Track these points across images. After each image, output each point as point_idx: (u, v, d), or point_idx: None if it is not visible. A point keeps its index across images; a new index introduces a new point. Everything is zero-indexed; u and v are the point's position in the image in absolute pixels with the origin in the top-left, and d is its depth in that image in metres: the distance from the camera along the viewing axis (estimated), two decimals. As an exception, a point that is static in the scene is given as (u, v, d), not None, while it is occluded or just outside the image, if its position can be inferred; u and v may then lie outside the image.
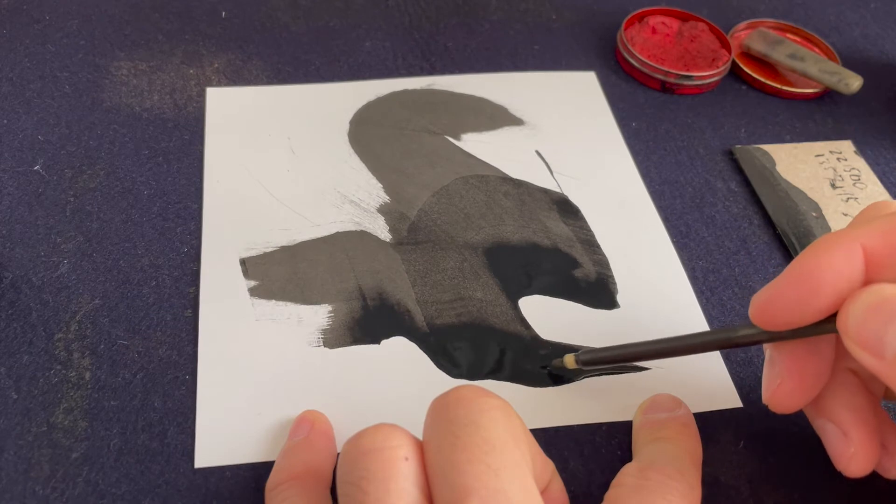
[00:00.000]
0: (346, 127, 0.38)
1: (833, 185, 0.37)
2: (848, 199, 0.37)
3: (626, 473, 0.24)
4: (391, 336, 0.30)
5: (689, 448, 0.26)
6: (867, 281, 0.21)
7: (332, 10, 0.45)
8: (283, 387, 0.28)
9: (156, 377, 0.28)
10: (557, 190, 0.36)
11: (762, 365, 0.27)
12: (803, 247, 0.34)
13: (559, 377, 0.29)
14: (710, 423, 0.28)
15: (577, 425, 0.28)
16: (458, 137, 0.38)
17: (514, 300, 0.32)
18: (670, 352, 0.27)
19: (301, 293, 0.31)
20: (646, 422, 0.27)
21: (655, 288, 0.33)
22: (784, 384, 0.24)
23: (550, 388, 0.29)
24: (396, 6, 0.46)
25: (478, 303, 0.31)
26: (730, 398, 0.29)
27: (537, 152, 0.38)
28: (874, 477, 0.24)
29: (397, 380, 0.29)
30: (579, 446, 0.28)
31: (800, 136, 0.40)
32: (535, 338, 0.31)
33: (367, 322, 0.30)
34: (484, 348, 0.30)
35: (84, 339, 0.29)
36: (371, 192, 0.35)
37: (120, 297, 0.31)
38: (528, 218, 0.35)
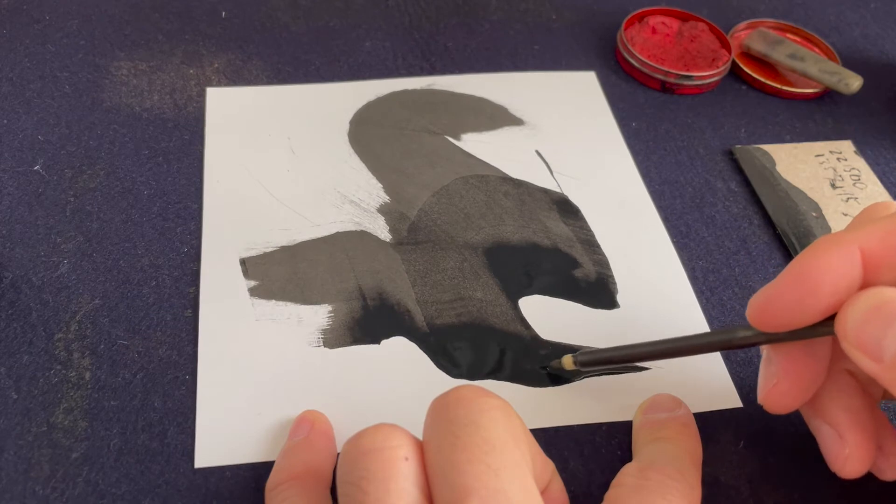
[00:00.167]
0: (346, 127, 0.38)
1: (833, 185, 0.37)
2: (848, 199, 0.37)
3: (626, 473, 0.24)
4: (391, 336, 0.30)
5: (689, 448, 0.26)
6: (865, 283, 0.21)
7: (332, 10, 0.45)
8: (283, 387, 0.28)
9: (156, 377, 0.28)
10: (557, 190, 0.36)
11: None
12: (803, 247, 0.34)
13: (559, 377, 0.29)
14: (710, 423, 0.28)
15: (577, 425, 0.28)
16: (458, 137, 0.38)
17: (514, 300, 0.32)
18: (668, 353, 0.27)
19: (301, 293, 0.31)
20: (646, 422, 0.27)
21: (655, 288, 0.33)
22: (780, 384, 0.24)
23: (550, 388, 0.29)
24: (396, 6, 0.46)
25: (478, 303, 0.31)
26: (730, 398, 0.29)
27: (537, 152, 0.38)
28: (874, 477, 0.24)
29: (397, 380, 0.29)
30: (579, 446, 0.28)
31: (800, 136, 0.40)
32: (535, 338, 0.31)
33: (367, 322, 0.30)
34: (484, 348, 0.30)
35: (84, 339, 0.29)
36: (371, 192, 0.35)
37: (120, 297, 0.31)
38: (528, 218, 0.35)
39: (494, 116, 0.40)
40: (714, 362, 0.30)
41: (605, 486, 0.24)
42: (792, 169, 0.38)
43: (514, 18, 0.46)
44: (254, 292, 0.31)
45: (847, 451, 0.23)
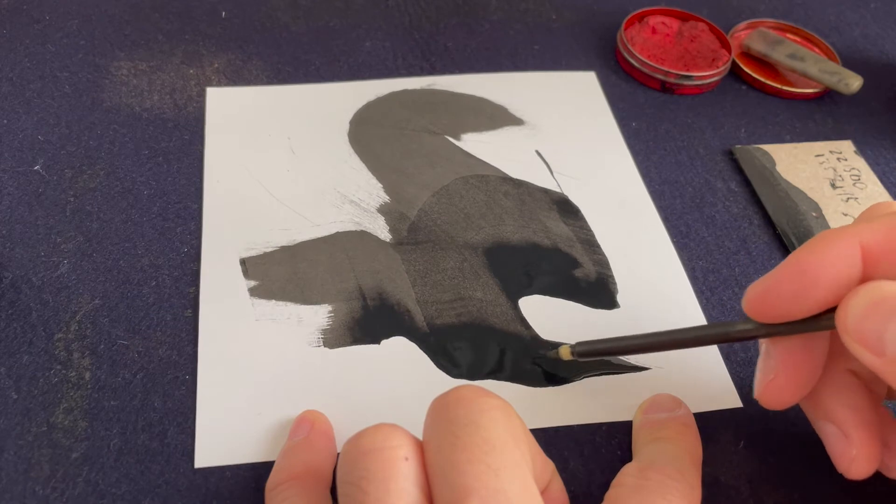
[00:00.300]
0: (346, 127, 0.38)
1: (833, 185, 0.37)
2: (848, 199, 0.37)
3: (627, 473, 0.24)
4: (391, 336, 0.30)
5: (690, 448, 0.26)
6: (864, 278, 0.21)
7: (332, 10, 0.45)
8: (283, 387, 0.28)
9: (156, 377, 0.28)
10: (557, 190, 0.36)
11: (762, 365, 0.27)
12: (803, 247, 0.34)
13: (553, 375, 0.29)
14: (710, 423, 0.28)
15: (577, 425, 0.28)
16: (458, 137, 0.38)
17: (514, 300, 0.32)
18: (666, 345, 0.26)
19: (301, 293, 0.31)
20: (646, 422, 0.27)
21: (655, 288, 0.33)
22: (777, 379, 0.24)
23: (551, 388, 0.29)
24: (396, 6, 0.46)
25: (478, 303, 0.31)
26: (730, 398, 0.29)
27: (537, 152, 0.38)
28: (875, 477, 0.24)
29: (397, 380, 0.29)
30: (579, 446, 0.28)
31: (800, 136, 0.40)
32: (535, 338, 0.31)
33: (367, 322, 0.30)
34: (484, 348, 0.30)
35: (84, 339, 0.29)
36: (371, 192, 0.35)
37: (120, 297, 0.31)
38: (528, 218, 0.35)
39: (494, 116, 0.40)
40: (714, 362, 0.30)
41: (605, 486, 0.24)
42: (792, 169, 0.38)
43: (514, 18, 0.46)
44: (254, 292, 0.31)
45: (854, 451, 0.23)
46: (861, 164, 0.39)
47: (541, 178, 0.37)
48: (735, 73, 0.43)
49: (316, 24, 0.44)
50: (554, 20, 0.46)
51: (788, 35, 0.46)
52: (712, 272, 0.34)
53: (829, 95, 0.43)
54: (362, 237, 0.34)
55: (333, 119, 0.39)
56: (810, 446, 0.27)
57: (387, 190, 0.36)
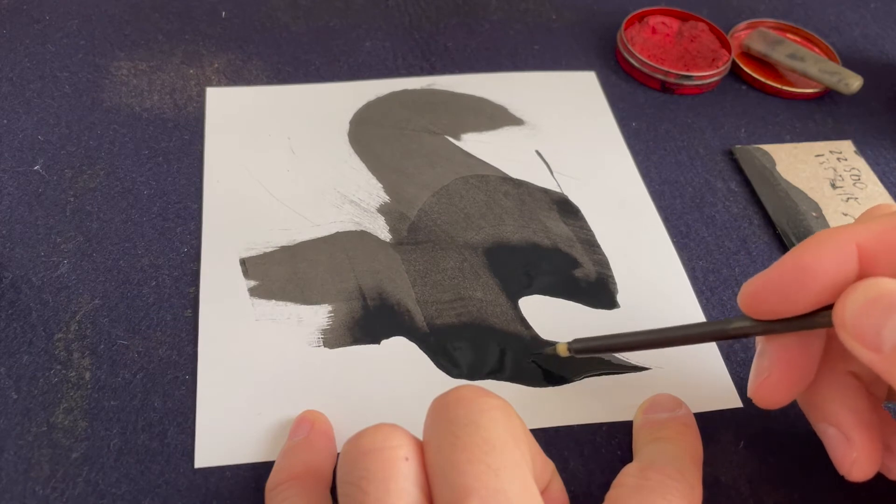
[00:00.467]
0: (346, 127, 0.38)
1: (833, 185, 0.37)
2: (848, 199, 0.37)
3: (627, 474, 0.24)
4: (391, 336, 0.30)
5: (690, 448, 0.26)
6: (860, 277, 0.21)
7: (332, 10, 0.45)
8: (283, 387, 0.28)
9: (156, 377, 0.28)
10: (557, 190, 0.36)
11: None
12: (803, 247, 0.34)
13: (554, 375, 0.29)
14: (710, 423, 0.28)
15: (577, 425, 0.28)
16: (458, 137, 0.38)
17: (514, 300, 0.32)
18: (663, 342, 0.27)
19: (301, 293, 0.31)
20: (646, 422, 0.27)
21: (655, 288, 0.33)
22: (770, 378, 0.24)
23: (551, 388, 0.29)
24: (396, 6, 0.46)
25: (478, 303, 0.31)
26: (730, 398, 0.29)
27: (537, 152, 0.38)
28: (876, 477, 0.24)
29: (397, 380, 0.29)
30: (579, 446, 0.28)
31: (800, 136, 0.40)
32: (535, 338, 0.31)
33: (367, 322, 0.30)
34: (484, 348, 0.30)
35: (84, 339, 0.29)
36: (371, 192, 0.35)
37: (120, 297, 0.31)
38: (528, 218, 0.35)
39: (494, 116, 0.40)
40: (714, 362, 0.30)
41: (605, 486, 0.24)
42: (792, 169, 0.38)
43: (514, 18, 0.46)
44: (254, 292, 0.31)
45: (855, 454, 0.23)
46: (861, 164, 0.39)
47: (541, 178, 0.37)
48: (735, 73, 0.43)
49: (316, 24, 0.44)
50: (554, 20, 0.46)
51: (788, 35, 0.46)
52: (712, 272, 0.34)
53: (829, 95, 0.43)
54: (362, 237, 0.34)
55: (333, 119, 0.39)
56: (810, 446, 0.27)
57: (387, 190, 0.36)
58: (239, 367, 0.29)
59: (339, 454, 0.23)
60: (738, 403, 0.29)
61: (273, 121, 0.38)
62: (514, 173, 0.37)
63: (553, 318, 0.31)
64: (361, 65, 0.42)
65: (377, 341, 0.30)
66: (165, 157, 0.36)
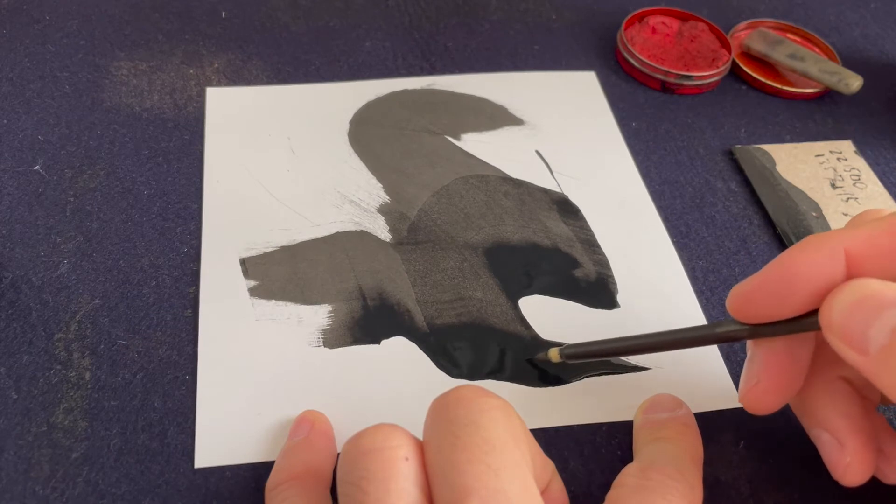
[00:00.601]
0: (346, 127, 0.38)
1: (833, 185, 0.37)
2: (848, 199, 0.37)
3: (627, 474, 0.24)
4: (391, 336, 0.30)
5: (690, 448, 0.26)
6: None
7: (332, 10, 0.45)
8: (283, 387, 0.28)
9: (156, 377, 0.28)
10: (557, 190, 0.36)
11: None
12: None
13: (554, 375, 0.29)
14: (710, 423, 0.28)
15: (577, 425, 0.28)
16: (458, 137, 0.38)
17: (514, 300, 0.32)
18: (653, 347, 0.27)
19: (301, 293, 0.31)
20: (646, 422, 0.27)
21: (655, 288, 0.33)
22: (760, 384, 0.24)
23: (551, 388, 0.29)
24: (396, 6, 0.46)
25: (478, 303, 0.31)
26: (730, 398, 0.29)
27: (537, 152, 0.38)
28: (875, 479, 0.24)
29: (397, 380, 0.29)
30: (579, 446, 0.28)
31: (800, 136, 0.40)
32: (535, 338, 0.31)
33: (367, 322, 0.30)
34: (484, 348, 0.30)
35: (84, 339, 0.29)
36: (371, 192, 0.35)
37: (120, 297, 0.31)
38: (528, 218, 0.35)
39: (494, 116, 0.40)
40: (714, 362, 0.30)
41: (605, 486, 0.24)
42: (792, 169, 0.38)
43: (514, 18, 0.46)
44: (254, 292, 0.31)
45: (848, 459, 0.23)
46: (861, 164, 0.39)
47: (541, 178, 0.37)
48: (735, 73, 0.43)
49: (316, 24, 0.44)
50: (554, 20, 0.46)
51: (788, 35, 0.46)
52: (712, 272, 0.34)
53: (829, 95, 0.43)
54: (362, 237, 0.34)
55: (333, 119, 0.39)
56: (810, 446, 0.27)
57: (387, 190, 0.36)
58: (239, 367, 0.29)
59: (339, 454, 0.23)
60: (738, 403, 0.29)
61: (273, 121, 0.38)
62: (514, 173, 0.37)
63: (553, 318, 0.31)
64: (361, 65, 0.42)
65: (377, 341, 0.30)
66: (165, 157, 0.36)
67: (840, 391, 0.24)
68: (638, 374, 0.30)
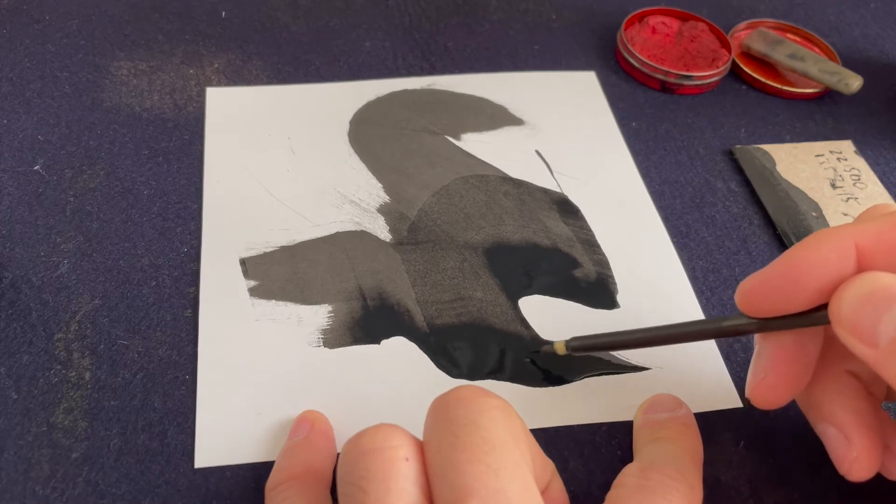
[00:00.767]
0: (346, 127, 0.38)
1: (833, 185, 0.37)
2: (848, 199, 0.37)
3: (628, 474, 0.24)
4: (391, 336, 0.30)
5: (690, 448, 0.26)
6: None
7: (332, 10, 0.45)
8: (283, 387, 0.28)
9: (156, 377, 0.28)
10: (557, 190, 0.36)
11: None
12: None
13: (554, 375, 0.29)
14: (710, 423, 0.28)
15: (577, 425, 0.28)
16: (458, 137, 0.38)
17: (514, 300, 0.32)
18: (659, 340, 0.27)
19: (301, 293, 0.31)
20: (646, 422, 0.27)
21: (655, 288, 0.33)
22: (768, 378, 0.24)
23: (551, 389, 0.29)
24: (396, 6, 0.46)
25: (478, 303, 0.31)
26: (730, 398, 0.29)
27: (537, 152, 0.38)
28: (875, 477, 0.24)
29: (397, 380, 0.29)
30: (579, 446, 0.28)
31: (800, 136, 0.40)
32: (535, 338, 0.31)
33: (367, 322, 0.30)
34: (484, 348, 0.30)
35: (84, 339, 0.29)
36: (371, 192, 0.35)
37: (120, 297, 0.31)
38: (528, 218, 0.35)
39: (494, 116, 0.40)
40: (714, 362, 0.30)
41: (605, 486, 0.24)
42: (792, 169, 0.38)
43: (514, 18, 0.46)
44: (254, 292, 0.31)
45: (854, 454, 0.23)
46: (861, 164, 0.39)
47: (541, 178, 0.37)
48: (735, 73, 0.43)
49: (316, 24, 0.44)
50: (554, 20, 0.46)
51: (788, 35, 0.46)
52: (712, 272, 0.34)
53: (829, 95, 0.43)
54: (362, 237, 0.34)
55: (333, 119, 0.39)
56: (810, 446, 0.27)
57: (387, 190, 0.36)
58: (239, 367, 0.29)
59: (339, 454, 0.23)
60: (738, 403, 0.29)
61: (273, 121, 0.38)
62: (514, 173, 0.37)
63: (553, 318, 0.31)
64: (361, 65, 0.42)
65: (377, 341, 0.30)
66: (165, 157, 0.36)
67: (847, 386, 0.24)
68: (638, 374, 0.30)
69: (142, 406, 0.28)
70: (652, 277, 0.33)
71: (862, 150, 0.40)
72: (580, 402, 0.29)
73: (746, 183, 0.38)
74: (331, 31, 0.44)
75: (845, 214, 0.36)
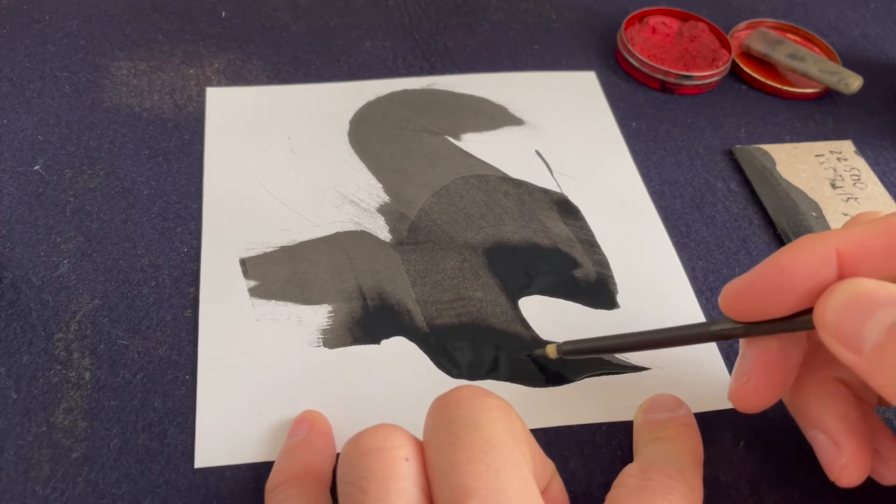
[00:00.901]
0: (346, 127, 0.38)
1: (833, 185, 0.37)
2: (848, 199, 0.37)
3: (628, 474, 0.24)
4: (391, 336, 0.30)
5: (690, 448, 0.26)
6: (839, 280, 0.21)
7: (332, 10, 0.45)
8: (283, 387, 0.28)
9: (156, 377, 0.28)
10: (557, 190, 0.36)
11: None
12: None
13: (553, 376, 0.29)
14: (710, 423, 0.28)
15: (577, 425, 0.28)
16: (458, 137, 0.38)
17: (514, 300, 0.32)
18: (649, 344, 0.27)
19: (301, 293, 0.31)
20: (646, 422, 0.27)
21: (655, 288, 0.33)
22: (749, 382, 0.24)
23: (551, 388, 0.29)
24: (396, 6, 0.46)
25: (478, 303, 0.31)
26: (730, 398, 0.29)
27: (537, 152, 0.38)
28: (873, 480, 0.24)
29: (397, 380, 0.29)
30: (579, 446, 0.28)
31: (800, 136, 0.40)
32: (535, 338, 0.31)
33: (367, 322, 0.30)
34: (484, 348, 0.30)
35: (84, 339, 0.29)
36: (371, 192, 0.35)
37: (120, 297, 0.31)
38: (528, 218, 0.35)
39: (494, 116, 0.40)
40: (714, 362, 0.30)
41: (605, 486, 0.24)
42: (792, 169, 0.38)
43: (514, 18, 0.46)
44: (254, 292, 0.31)
45: (843, 460, 0.23)
46: (861, 164, 0.39)
47: (541, 178, 0.37)
48: (735, 73, 0.43)
49: (316, 24, 0.44)
50: (554, 20, 0.46)
51: (788, 35, 0.46)
52: (712, 272, 0.34)
53: (829, 95, 0.43)
54: (362, 237, 0.34)
55: (333, 119, 0.39)
56: (810, 446, 0.27)
57: (387, 190, 0.36)
58: (239, 367, 0.29)
59: (338, 454, 0.23)
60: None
61: (273, 121, 0.38)
62: (514, 173, 0.37)
63: (553, 319, 0.31)
64: (361, 65, 0.42)
65: (377, 341, 0.30)
66: (165, 157, 0.36)
67: (836, 392, 0.24)
68: (638, 374, 0.30)
69: (142, 406, 0.28)
70: (652, 277, 0.33)
71: (862, 150, 0.40)
72: (580, 402, 0.29)
73: (746, 183, 0.38)
74: (331, 31, 0.44)
75: (845, 214, 0.36)
